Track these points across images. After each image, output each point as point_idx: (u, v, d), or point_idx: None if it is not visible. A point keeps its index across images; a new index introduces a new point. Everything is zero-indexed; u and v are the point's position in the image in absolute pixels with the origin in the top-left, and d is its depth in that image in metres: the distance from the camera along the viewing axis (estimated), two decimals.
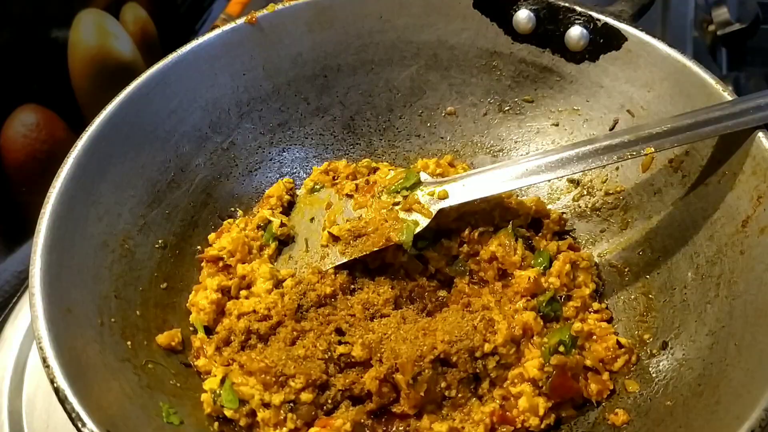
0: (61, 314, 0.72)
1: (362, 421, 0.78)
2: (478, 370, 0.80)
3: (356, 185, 0.94)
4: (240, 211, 0.98)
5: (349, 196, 0.93)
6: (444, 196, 0.87)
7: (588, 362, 0.82)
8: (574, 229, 0.97)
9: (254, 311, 0.84)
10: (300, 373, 0.77)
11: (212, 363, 0.83)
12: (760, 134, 0.78)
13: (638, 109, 0.92)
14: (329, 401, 0.78)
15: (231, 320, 0.84)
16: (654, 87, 0.90)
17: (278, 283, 0.88)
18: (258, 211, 0.97)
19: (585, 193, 0.98)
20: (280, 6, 0.96)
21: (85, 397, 0.66)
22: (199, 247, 0.93)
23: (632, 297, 0.89)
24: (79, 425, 0.64)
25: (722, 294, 0.79)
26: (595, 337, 0.84)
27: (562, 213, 0.97)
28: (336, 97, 1.03)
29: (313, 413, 0.78)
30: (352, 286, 0.87)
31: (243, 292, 0.88)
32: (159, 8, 1.30)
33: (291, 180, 1.01)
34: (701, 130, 0.79)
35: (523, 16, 0.95)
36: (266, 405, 0.78)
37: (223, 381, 0.79)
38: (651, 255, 0.89)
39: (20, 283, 1.03)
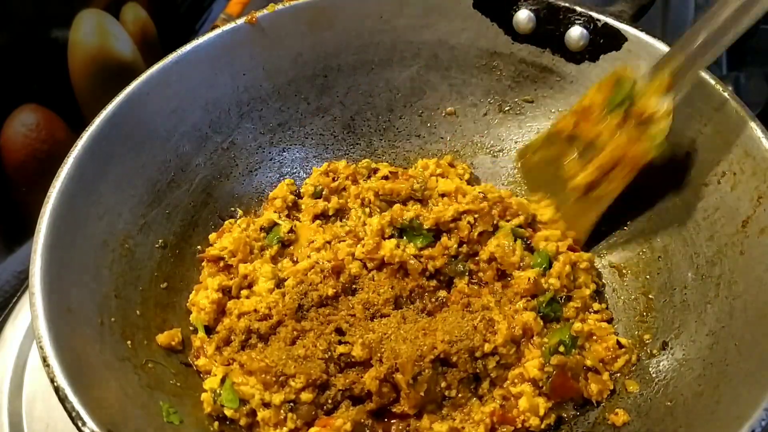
0: (61, 314, 0.72)
1: (362, 420, 0.78)
2: (478, 370, 0.80)
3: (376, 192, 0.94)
4: (240, 210, 0.98)
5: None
6: (669, 85, 0.81)
7: (588, 362, 0.82)
8: None
9: (255, 311, 0.84)
10: (300, 373, 0.77)
11: (212, 362, 0.83)
12: (761, 134, 0.79)
13: None
14: (329, 401, 0.78)
15: (231, 320, 0.84)
16: None
17: (279, 283, 0.88)
18: (263, 213, 0.97)
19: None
20: (280, 6, 0.96)
21: (85, 396, 0.66)
22: (199, 246, 0.93)
23: (632, 297, 0.89)
24: (79, 424, 0.64)
25: (722, 294, 0.79)
26: (595, 337, 0.84)
27: None
28: (336, 97, 1.03)
29: (313, 413, 0.77)
30: (354, 286, 0.87)
31: (244, 292, 0.88)
32: (159, 8, 1.30)
33: (292, 180, 1.01)
34: None
35: (523, 16, 0.95)
36: (266, 405, 0.78)
37: (223, 380, 0.79)
38: (651, 255, 0.89)
39: (20, 283, 1.03)
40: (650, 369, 0.81)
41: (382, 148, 1.05)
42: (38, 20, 1.04)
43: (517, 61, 0.99)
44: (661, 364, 0.81)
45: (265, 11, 0.96)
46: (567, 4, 0.93)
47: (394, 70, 1.03)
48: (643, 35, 0.90)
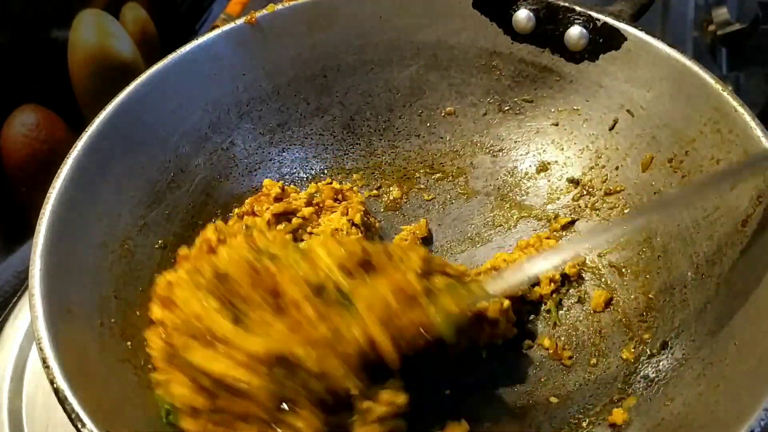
0: (61, 314, 0.72)
1: None
2: None
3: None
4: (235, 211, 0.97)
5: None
6: None
7: None
8: (575, 230, 0.97)
9: None
10: None
11: None
12: (761, 134, 0.79)
13: (638, 109, 0.92)
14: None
15: None
16: (654, 87, 0.90)
17: None
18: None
19: (585, 192, 0.98)
20: (280, 6, 0.96)
21: (85, 397, 0.66)
22: None
23: (632, 297, 0.89)
24: (79, 425, 0.64)
25: (722, 294, 0.79)
26: None
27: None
28: (336, 97, 1.03)
29: None
30: None
31: None
32: (159, 8, 1.30)
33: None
34: None
35: (522, 16, 0.95)
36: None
37: None
38: (651, 255, 0.89)
39: (20, 283, 1.03)
40: (650, 369, 0.81)
41: (382, 147, 1.05)
42: (38, 20, 1.04)
43: (517, 60, 0.99)
44: (661, 364, 0.81)
45: (264, 11, 0.96)
46: (566, 4, 0.93)
47: (394, 69, 1.03)
48: (642, 35, 0.90)
